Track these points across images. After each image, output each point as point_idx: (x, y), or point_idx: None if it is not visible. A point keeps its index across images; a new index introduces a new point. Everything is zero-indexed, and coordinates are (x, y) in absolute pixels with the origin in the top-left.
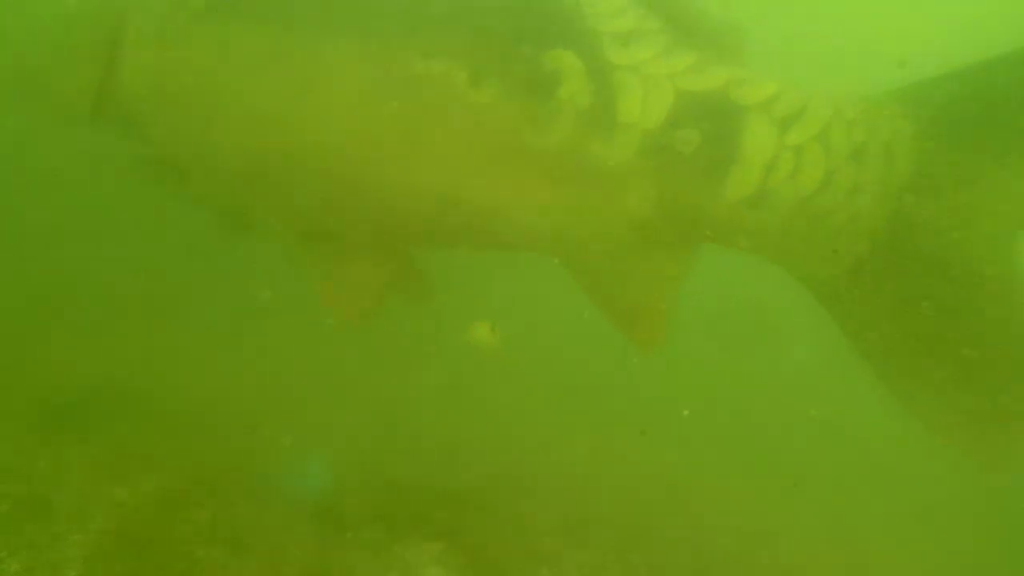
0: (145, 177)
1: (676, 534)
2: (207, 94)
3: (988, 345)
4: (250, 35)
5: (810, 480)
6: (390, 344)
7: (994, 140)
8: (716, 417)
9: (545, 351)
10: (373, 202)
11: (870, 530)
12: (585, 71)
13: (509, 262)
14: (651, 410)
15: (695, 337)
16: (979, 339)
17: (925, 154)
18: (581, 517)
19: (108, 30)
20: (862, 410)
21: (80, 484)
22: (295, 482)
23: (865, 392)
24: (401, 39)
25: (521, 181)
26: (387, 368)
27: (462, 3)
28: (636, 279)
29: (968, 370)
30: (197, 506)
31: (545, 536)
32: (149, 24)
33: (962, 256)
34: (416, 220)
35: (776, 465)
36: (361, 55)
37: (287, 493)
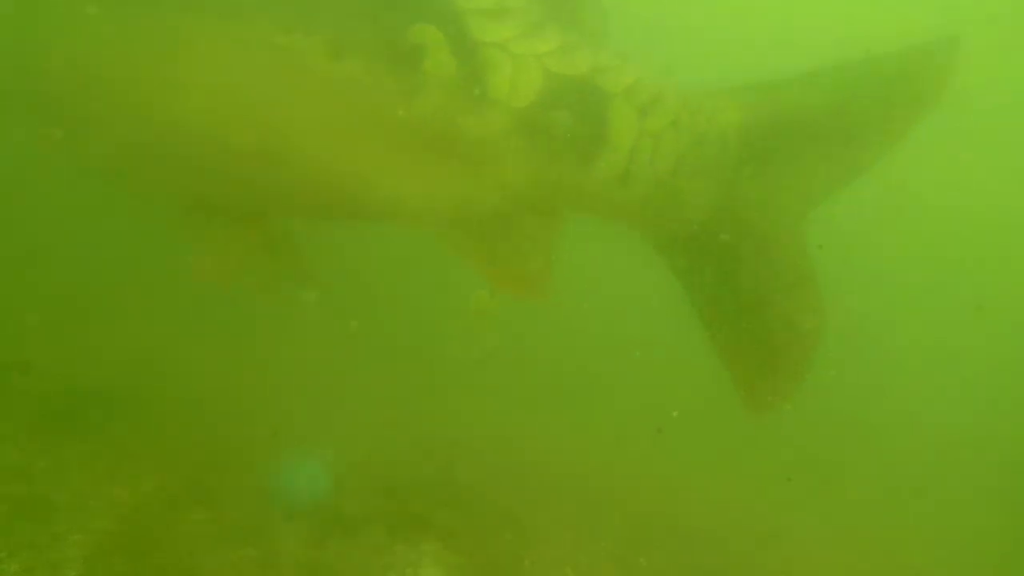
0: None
1: (676, 534)
2: (81, 70)
3: (773, 302)
4: (118, 13)
5: (811, 480)
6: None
7: (799, 137)
8: (716, 417)
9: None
10: (241, 174)
11: (871, 530)
12: (449, 46)
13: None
14: (651, 410)
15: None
16: (770, 296)
17: (749, 143)
18: (581, 517)
19: None
20: (865, 411)
21: (80, 484)
22: (295, 482)
23: (864, 392)
24: (262, 14)
25: (388, 153)
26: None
27: None
28: (509, 245)
29: (758, 322)
30: (197, 506)
31: (545, 536)
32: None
33: (770, 226)
34: (286, 192)
35: (776, 465)
36: (223, 30)
37: (287, 493)
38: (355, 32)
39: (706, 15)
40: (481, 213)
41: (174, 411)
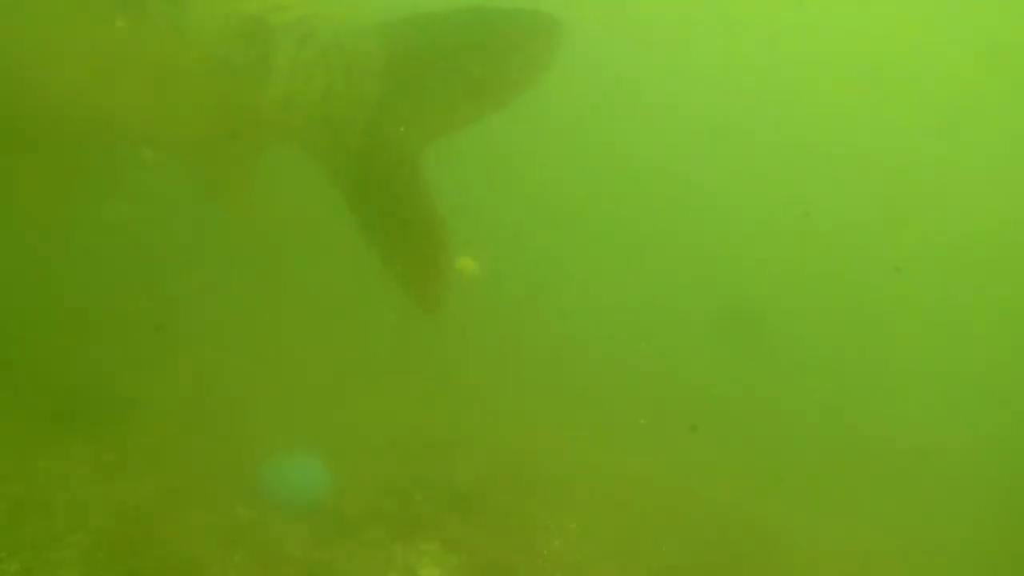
0: None
1: (676, 534)
2: None
3: (418, 219)
4: None
5: (810, 480)
6: None
7: (435, 73)
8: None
9: None
10: (35, 109)
11: (872, 531)
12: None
13: None
14: (650, 410)
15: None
16: (414, 212)
17: (392, 74)
18: (581, 516)
19: None
20: (865, 411)
21: (80, 484)
22: (295, 482)
23: (866, 394)
24: None
25: (132, 88)
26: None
27: None
28: (217, 163)
29: (408, 236)
30: (197, 506)
31: (545, 536)
32: None
33: (410, 152)
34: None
35: (776, 465)
36: None
37: (287, 493)
38: None
39: None
40: (197, 138)
41: (174, 411)
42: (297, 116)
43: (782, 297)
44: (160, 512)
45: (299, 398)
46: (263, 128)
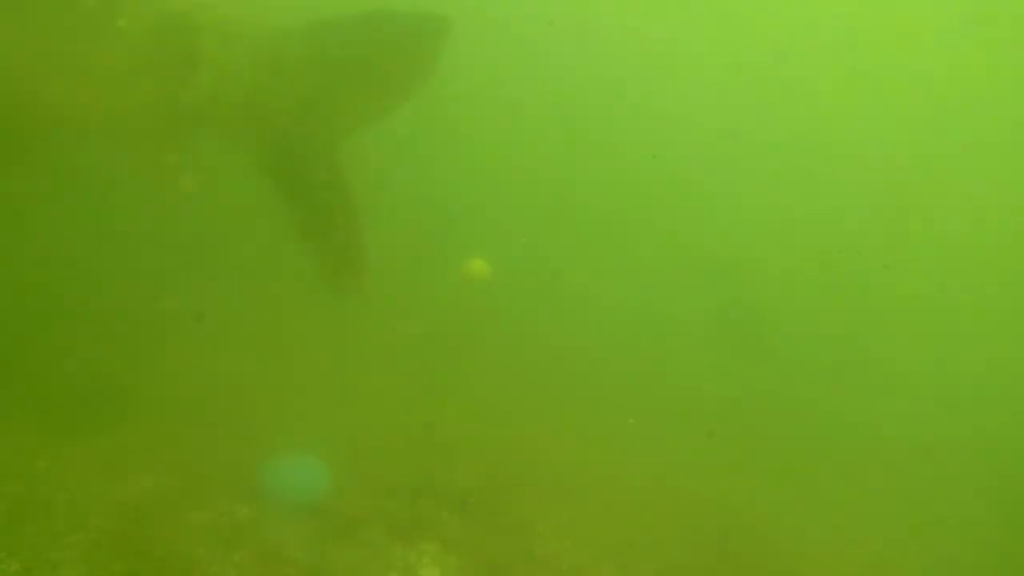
0: None
1: (676, 534)
2: None
3: (335, 207)
4: None
5: (811, 480)
6: None
7: (345, 70)
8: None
9: None
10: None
11: (872, 531)
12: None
13: None
14: (650, 410)
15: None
16: (331, 200)
17: (310, 74)
18: (580, 517)
19: None
20: (865, 411)
21: (80, 484)
22: (295, 482)
23: (866, 394)
24: None
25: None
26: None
27: None
28: (156, 151)
29: (327, 223)
30: (197, 506)
31: (545, 536)
32: None
33: (327, 145)
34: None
35: (776, 465)
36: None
37: (287, 493)
38: None
39: None
40: (133, 127)
41: (173, 410)
42: (224, 109)
43: (782, 297)
44: (160, 512)
45: (299, 398)
46: (193, 119)
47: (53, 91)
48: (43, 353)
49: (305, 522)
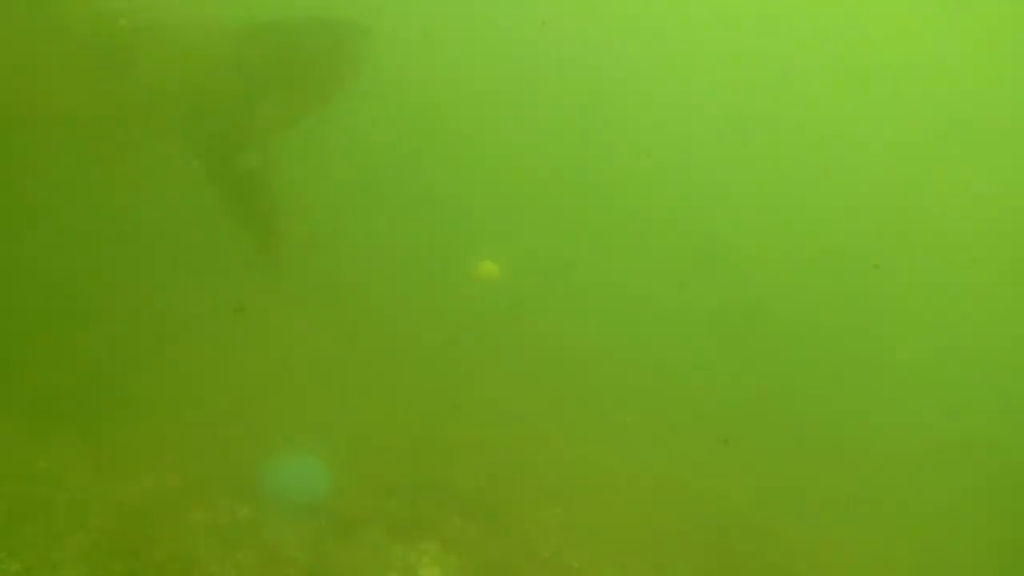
0: None
1: (676, 534)
2: None
3: (260, 194)
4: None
5: (811, 480)
6: None
7: (274, 72)
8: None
9: None
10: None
11: (872, 531)
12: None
13: None
14: (650, 410)
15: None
16: (256, 188)
17: (242, 74)
18: (580, 517)
19: None
20: (865, 412)
21: (80, 484)
22: (295, 482)
23: (867, 394)
24: None
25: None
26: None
27: None
28: (103, 142)
29: (254, 208)
30: (197, 506)
31: (545, 536)
32: None
33: (257, 141)
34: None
35: (776, 466)
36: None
37: (287, 493)
38: None
39: None
40: (78, 119)
41: (173, 410)
42: (162, 105)
43: (783, 297)
44: (160, 512)
45: (299, 398)
46: (132, 113)
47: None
48: (43, 353)
49: (305, 522)
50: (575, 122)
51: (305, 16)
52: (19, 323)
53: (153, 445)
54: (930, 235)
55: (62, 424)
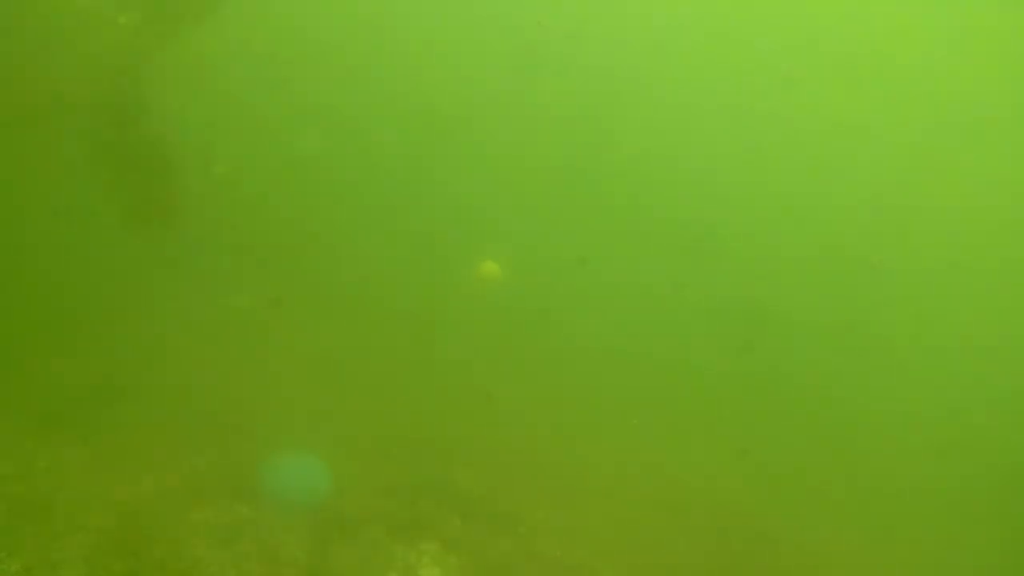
0: None
1: (676, 534)
2: None
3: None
4: None
5: (811, 481)
6: None
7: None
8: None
9: None
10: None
11: (872, 531)
12: None
13: None
14: (649, 410)
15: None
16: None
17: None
18: (580, 517)
19: None
20: (865, 412)
21: (80, 484)
22: (295, 482)
23: (867, 395)
24: None
25: None
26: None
27: None
28: None
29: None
30: (197, 505)
31: (544, 536)
32: None
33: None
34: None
35: (777, 465)
36: None
37: (287, 492)
38: None
39: None
40: None
41: (173, 410)
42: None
43: (783, 297)
44: (160, 512)
45: (299, 398)
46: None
47: None
48: (43, 354)
49: (305, 522)
50: (575, 122)
51: None
52: (19, 323)
53: (153, 445)
54: (930, 235)
55: (62, 424)
